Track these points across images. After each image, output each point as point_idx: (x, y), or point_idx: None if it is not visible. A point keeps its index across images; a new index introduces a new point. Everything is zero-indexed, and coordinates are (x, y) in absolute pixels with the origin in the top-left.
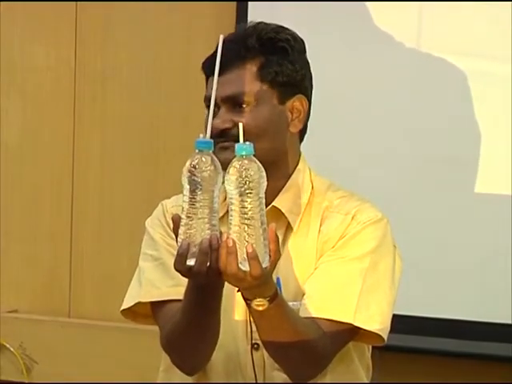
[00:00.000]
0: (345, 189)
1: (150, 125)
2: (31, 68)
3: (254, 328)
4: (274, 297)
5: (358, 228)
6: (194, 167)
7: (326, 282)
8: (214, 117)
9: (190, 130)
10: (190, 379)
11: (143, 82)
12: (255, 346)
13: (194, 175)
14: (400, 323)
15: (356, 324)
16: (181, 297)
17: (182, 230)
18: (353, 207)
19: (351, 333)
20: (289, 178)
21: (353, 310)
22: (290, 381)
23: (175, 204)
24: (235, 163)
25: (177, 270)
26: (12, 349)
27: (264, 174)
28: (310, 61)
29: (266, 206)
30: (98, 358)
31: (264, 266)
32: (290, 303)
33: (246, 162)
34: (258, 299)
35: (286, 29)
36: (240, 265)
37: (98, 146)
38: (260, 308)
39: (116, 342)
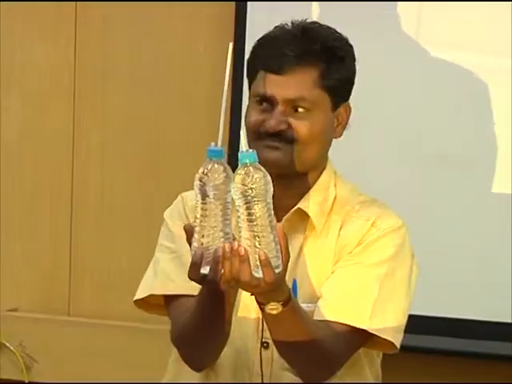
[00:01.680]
0: (367, 193)
1: (149, 123)
2: (31, 66)
3: (266, 326)
4: (288, 300)
5: (378, 234)
6: (207, 175)
7: (342, 287)
8: (261, 114)
9: (189, 128)
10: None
11: (142, 81)
12: (265, 344)
13: (206, 183)
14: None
15: (370, 330)
16: (195, 292)
17: (195, 237)
18: (373, 213)
19: (365, 338)
20: (315, 181)
21: (368, 316)
22: (296, 381)
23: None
24: (240, 171)
25: (191, 279)
26: (12, 347)
27: (269, 179)
28: None
29: (292, 208)
30: (97, 357)
31: (277, 271)
32: (305, 305)
33: (250, 169)
34: (272, 303)
35: (341, 34)
36: (253, 272)
37: (98, 144)
38: (274, 312)
39: (115, 340)
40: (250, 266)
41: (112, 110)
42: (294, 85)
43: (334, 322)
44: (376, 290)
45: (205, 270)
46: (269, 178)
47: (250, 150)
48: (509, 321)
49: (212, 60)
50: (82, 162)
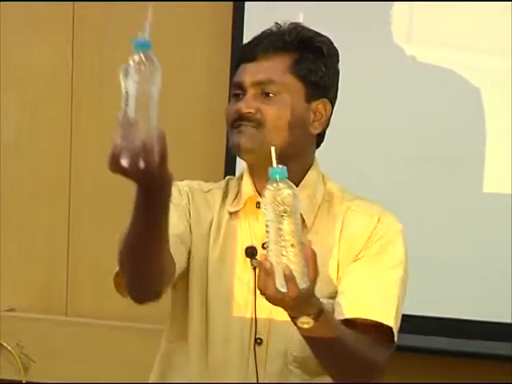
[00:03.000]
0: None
1: None
2: (28, 66)
3: (259, 323)
4: (319, 314)
5: (389, 234)
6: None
7: (366, 285)
8: (235, 103)
9: (187, 126)
10: (192, 377)
11: None
12: (258, 340)
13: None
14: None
15: (394, 330)
16: None
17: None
18: (376, 211)
19: (389, 339)
20: (302, 178)
21: (393, 316)
22: (292, 373)
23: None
24: (269, 186)
25: (112, 171)
26: (9, 347)
27: (298, 194)
28: None
29: None
30: (95, 357)
31: (303, 286)
32: None
33: (280, 185)
34: (303, 317)
35: (325, 35)
36: (279, 286)
37: (96, 143)
38: (305, 326)
39: (113, 340)
40: (274, 280)
41: (109, 108)
42: (264, 69)
43: (361, 324)
44: (396, 292)
45: (125, 162)
46: (298, 194)
47: (280, 166)
48: (507, 321)
49: (210, 60)
50: (79, 160)
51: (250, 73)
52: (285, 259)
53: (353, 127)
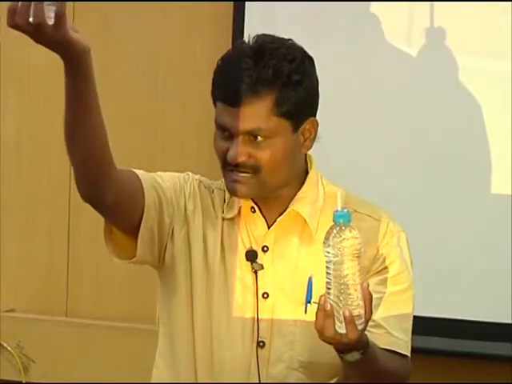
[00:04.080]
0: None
1: (147, 123)
2: (29, 67)
3: (261, 326)
4: (367, 349)
5: (399, 247)
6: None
7: (388, 316)
8: (224, 142)
9: (187, 127)
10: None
11: (141, 81)
12: (260, 343)
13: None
14: None
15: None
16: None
17: None
18: (381, 214)
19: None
20: (302, 185)
21: (409, 343)
22: (293, 376)
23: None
24: (333, 230)
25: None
26: (9, 348)
27: (360, 240)
28: None
29: (284, 211)
30: (94, 358)
31: (360, 327)
32: (316, 304)
33: (344, 230)
34: (352, 353)
35: (296, 48)
36: (337, 327)
37: None
38: (352, 360)
39: (113, 341)
40: (334, 322)
41: (109, 110)
42: (249, 116)
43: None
44: (410, 312)
45: (17, 17)
46: (360, 239)
47: (345, 210)
48: (505, 321)
49: (210, 60)
50: None
51: (236, 120)
52: (343, 301)
53: (354, 128)
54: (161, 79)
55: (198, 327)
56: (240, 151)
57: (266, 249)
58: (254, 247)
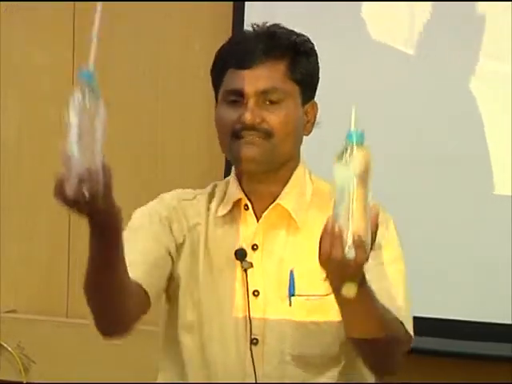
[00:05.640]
0: None
1: (148, 125)
2: (30, 68)
3: (253, 324)
4: (363, 280)
5: (383, 228)
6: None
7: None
8: (234, 111)
9: (188, 128)
10: (190, 377)
11: (141, 82)
12: (254, 341)
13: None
14: None
15: (404, 324)
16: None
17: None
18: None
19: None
20: (289, 178)
21: (403, 312)
22: (288, 371)
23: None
24: (346, 149)
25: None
26: (10, 348)
27: (371, 161)
28: None
29: (270, 204)
30: (95, 358)
31: (367, 253)
32: (304, 297)
33: (356, 149)
34: (348, 284)
35: (304, 35)
36: (345, 252)
37: None
38: (351, 293)
39: (113, 342)
40: (342, 245)
41: (110, 111)
42: (265, 77)
43: None
44: (402, 286)
45: (69, 190)
46: (371, 158)
47: (359, 130)
48: (505, 322)
49: (210, 60)
50: None
51: (251, 81)
52: (352, 224)
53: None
54: (160, 79)
55: (189, 325)
56: (255, 112)
57: (255, 247)
58: (244, 246)
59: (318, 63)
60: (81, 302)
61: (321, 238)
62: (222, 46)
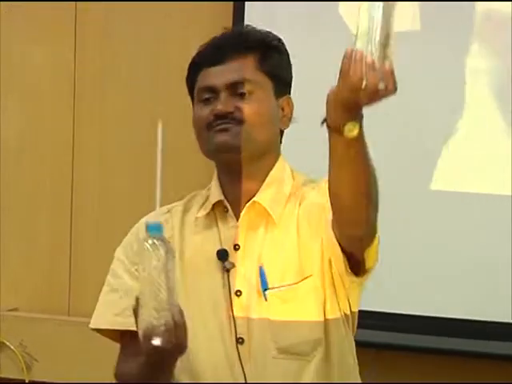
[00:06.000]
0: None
1: (148, 124)
2: (31, 68)
3: (238, 323)
4: (361, 119)
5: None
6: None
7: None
8: (208, 107)
9: (188, 128)
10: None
11: (142, 82)
12: (240, 340)
13: (144, 261)
14: (397, 322)
15: None
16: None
17: (142, 310)
18: (319, 181)
19: None
20: (268, 174)
21: None
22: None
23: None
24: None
25: (144, 350)
26: (12, 347)
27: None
28: (306, 60)
29: (248, 201)
30: (96, 356)
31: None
32: (276, 289)
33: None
34: (350, 123)
35: (276, 35)
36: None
37: (97, 145)
38: (353, 133)
39: (114, 340)
40: (362, 66)
41: (111, 110)
42: (235, 70)
43: None
44: None
45: (156, 341)
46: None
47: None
48: (504, 320)
49: None
50: (81, 162)
51: (221, 75)
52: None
53: None
54: (161, 78)
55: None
56: (227, 102)
57: (237, 247)
58: (226, 246)
59: (289, 61)
60: (82, 301)
61: (343, 63)
62: (196, 52)
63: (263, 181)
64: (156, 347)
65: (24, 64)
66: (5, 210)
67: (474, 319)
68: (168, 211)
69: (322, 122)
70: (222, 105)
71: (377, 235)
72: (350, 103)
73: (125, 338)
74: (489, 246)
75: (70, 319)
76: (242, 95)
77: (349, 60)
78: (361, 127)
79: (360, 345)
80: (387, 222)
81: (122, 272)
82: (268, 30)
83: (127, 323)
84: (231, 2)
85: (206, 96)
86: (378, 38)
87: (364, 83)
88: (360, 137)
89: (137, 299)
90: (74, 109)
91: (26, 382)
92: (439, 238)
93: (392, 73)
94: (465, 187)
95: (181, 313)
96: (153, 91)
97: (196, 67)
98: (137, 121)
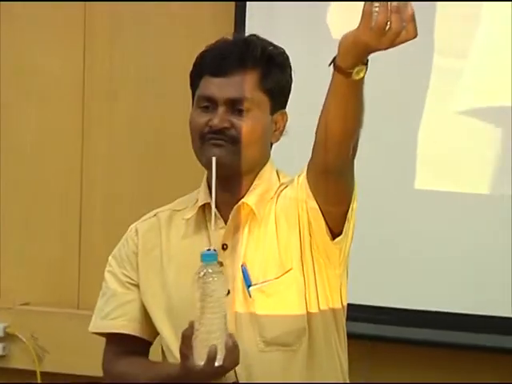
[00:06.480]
0: None
1: (156, 126)
2: (40, 71)
3: (228, 318)
4: (367, 62)
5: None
6: (203, 279)
7: None
8: (205, 116)
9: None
10: None
11: (150, 84)
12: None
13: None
14: (394, 315)
15: None
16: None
17: (196, 335)
18: (295, 177)
19: None
20: (256, 177)
21: None
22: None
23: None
24: None
25: (207, 373)
26: (24, 339)
27: None
28: (307, 61)
29: (236, 202)
30: None
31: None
32: (259, 285)
33: None
34: (359, 66)
35: (281, 47)
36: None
37: (106, 146)
38: (361, 75)
39: None
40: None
41: (120, 112)
42: (235, 86)
43: None
44: None
45: (220, 362)
46: None
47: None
48: (500, 314)
49: None
50: (90, 159)
51: (222, 88)
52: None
53: None
54: (167, 80)
55: (165, 332)
56: (223, 117)
57: (225, 247)
58: (214, 246)
59: (291, 75)
60: (91, 295)
61: (364, 7)
62: (201, 52)
63: (252, 183)
64: (221, 367)
65: (33, 67)
66: (17, 208)
67: (466, 313)
68: (154, 215)
69: (330, 63)
70: (218, 120)
71: (355, 204)
72: (368, 46)
73: (110, 338)
74: (480, 239)
75: (80, 312)
76: (239, 111)
77: (372, 3)
78: (366, 70)
79: (355, 337)
80: (380, 217)
81: (109, 277)
82: (269, 29)
83: (110, 326)
84: (233, 2)
85: (205, 104)
86: None
87: (388, 26)
88: (361, 82)
89: (190, 323)
90: (83, 111)
91: (38, 372)
92: (432, 234)
93: (414, 17)
94: (450, 186)
95: (232, 335)
96: (160, 92)
97: (199, 71)
98: (145, 123)
